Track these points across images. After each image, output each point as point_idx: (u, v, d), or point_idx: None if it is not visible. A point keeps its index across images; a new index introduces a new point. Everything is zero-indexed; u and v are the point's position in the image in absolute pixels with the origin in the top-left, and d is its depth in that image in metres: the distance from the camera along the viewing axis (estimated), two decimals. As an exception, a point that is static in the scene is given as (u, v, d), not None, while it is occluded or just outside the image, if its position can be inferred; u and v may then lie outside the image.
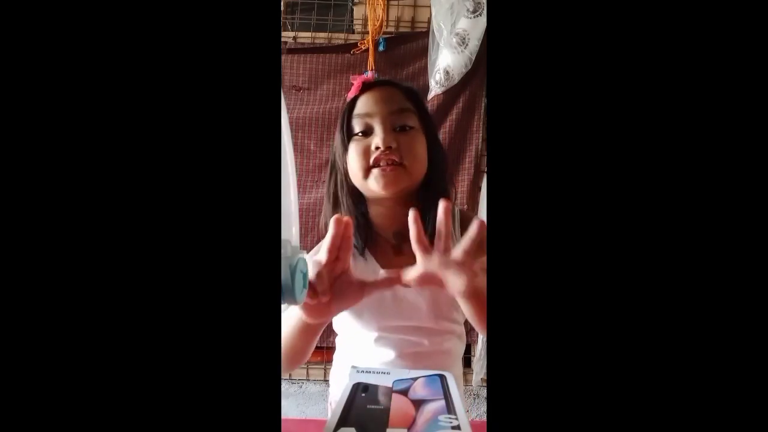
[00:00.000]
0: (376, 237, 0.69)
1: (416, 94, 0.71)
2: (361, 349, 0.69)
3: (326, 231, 0.51)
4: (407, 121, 0.66)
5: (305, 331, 0.53)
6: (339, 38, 1.82)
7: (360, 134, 0.65)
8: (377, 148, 0.63)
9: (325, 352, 1.83)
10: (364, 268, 0.68)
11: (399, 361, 0.66)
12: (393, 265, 0.65)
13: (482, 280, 0.47)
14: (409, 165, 0.64)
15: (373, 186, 0.64)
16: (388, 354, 0.67)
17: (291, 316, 0.53)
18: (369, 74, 0.74)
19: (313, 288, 0.43)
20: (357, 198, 0.69)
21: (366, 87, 0.69)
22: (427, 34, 1.74)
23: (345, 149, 0.67)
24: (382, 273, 0.48)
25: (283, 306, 0.42)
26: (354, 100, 0.69)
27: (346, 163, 0.67)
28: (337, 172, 0.70)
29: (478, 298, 0.48)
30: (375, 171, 0.64)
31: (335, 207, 0.71)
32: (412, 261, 0.60)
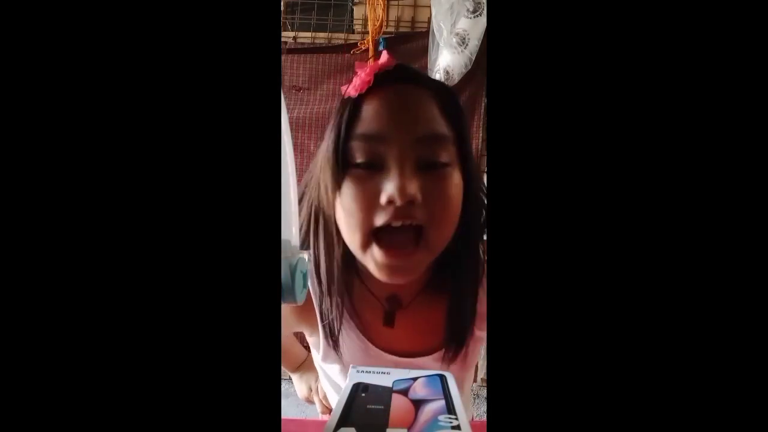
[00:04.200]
0: (363, 294, 0.50)
1: (453, 97, 0.44)
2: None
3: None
4: (439, 155, 0.39)
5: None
6: (339, 38, 1.82)
7: (362, 167, 0.39)
8: (390, 202, 0.38)
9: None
10: (343, 337, 0.50)
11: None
12: (379, 338, 0.49)
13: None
14: (432, 232, 0.40)
15: (371, 267, 0.42)
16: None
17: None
18: (384, 57, 0.35)
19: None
20: (346, 254, 0.46)
21: (379, 81, 0.40)
22: (427, 34, 1.74)
23: (337, 185, 0.40)
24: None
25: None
26: (358, 101, 0.39)
27: (334, 209, 0.41)
28: (319, 217, 0.43)
29: None
30: (376, 252, 0.40)
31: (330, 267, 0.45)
32: (401, 338, 0.49)
